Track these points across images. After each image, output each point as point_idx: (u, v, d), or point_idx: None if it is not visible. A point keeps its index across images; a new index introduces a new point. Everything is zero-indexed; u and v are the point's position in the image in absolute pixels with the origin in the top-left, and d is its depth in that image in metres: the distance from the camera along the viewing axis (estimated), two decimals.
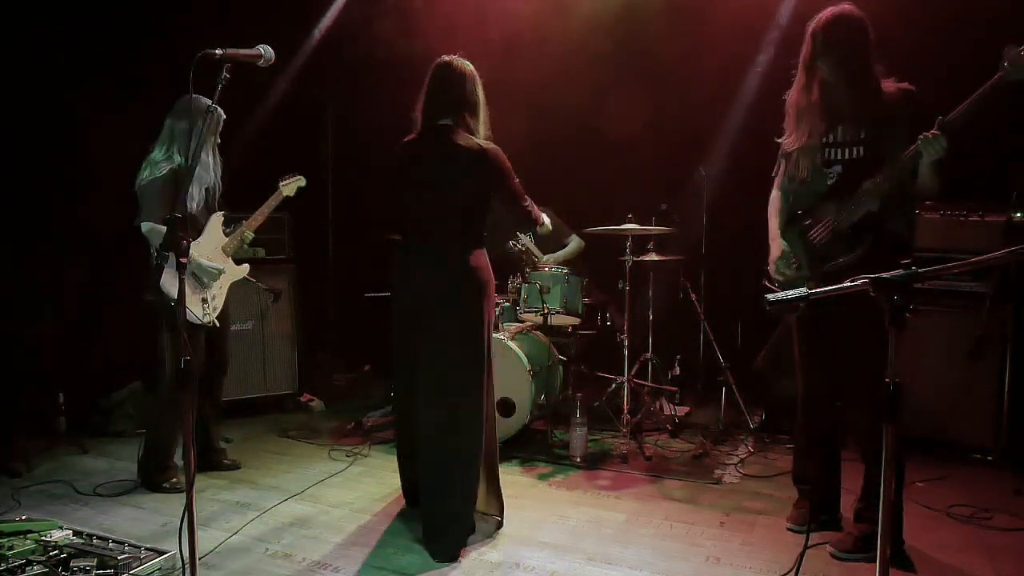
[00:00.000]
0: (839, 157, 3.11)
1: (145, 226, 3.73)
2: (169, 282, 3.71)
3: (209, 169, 3.92)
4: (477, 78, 3.29)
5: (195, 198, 3.87)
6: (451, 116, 3.21)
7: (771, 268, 3.31)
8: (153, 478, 3.89)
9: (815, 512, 3.30)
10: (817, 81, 3.08)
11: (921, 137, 2.78)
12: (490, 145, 3.21)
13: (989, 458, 4.14)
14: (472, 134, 3.21)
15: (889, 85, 3.02)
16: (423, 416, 3.20)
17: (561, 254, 5.34)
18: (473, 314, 3.20)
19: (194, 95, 3.74)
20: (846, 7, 3.02)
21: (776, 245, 3.29)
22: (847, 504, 3.29)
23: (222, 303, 3.99)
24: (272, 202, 4.08)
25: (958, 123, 2.74)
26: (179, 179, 3.73)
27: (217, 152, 4.00)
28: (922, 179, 2.91)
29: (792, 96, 3.20)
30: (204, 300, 3.84)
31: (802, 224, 3.22)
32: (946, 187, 2.94)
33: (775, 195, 3.37)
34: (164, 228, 3.66)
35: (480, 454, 3.21)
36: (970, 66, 2.85)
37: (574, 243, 5.44)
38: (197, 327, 3.80)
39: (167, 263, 3.72)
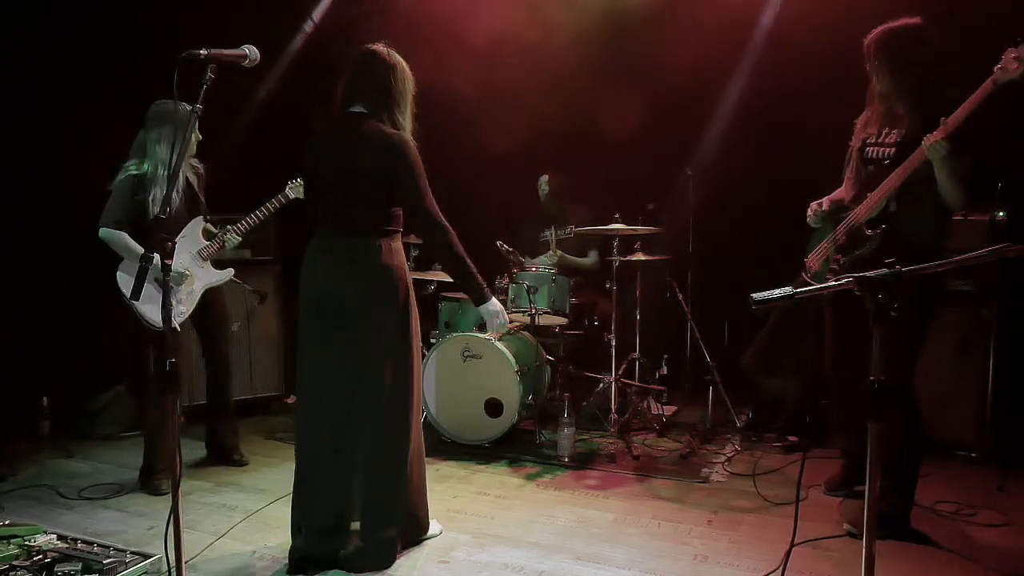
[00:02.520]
0: (874, 156, 3.29)
1: (101, 231, 3.74)
2: (123, 285, 3.79)
3: (181, 172, 3.86)
4: (407, 72, 3.10)
5: (171, 202, 3.79)
6: (367, 104, 3.02)
7: (809, 257, 3.53)
8: (145, 480, 3.91)
9: (852, 480, 3.60)
10: (874, 87, 3.27)
11: (925, 138, 2.92)
12: (402, 135, 3.00)
13: (973, 455, 4.17)
14: (393, 126, 3.01)
15: (950, 94, 3.06)
16: (349, 441, 3.02)
17: (575, 261, 5.36)
18: (388, 323, 3.01)
19: (164, 100, 3.78)
20: (910, 20, 3.16)
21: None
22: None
23: (191, 307, 3.94)
24: (274, 204, 4.03)
25: (956, 124, 2.87)
26: (145, 185, 3.74)
27: (188, 153, 3.89)
28: (941, 187, 3.04)
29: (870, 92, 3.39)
30: (178, 300, 3.78)
31: (840, 215, 3.39)
32: (971, 197, 3.09)
33: (844, 185, 3.54)
34: (117, 233, 3.73)
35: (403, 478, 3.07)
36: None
37: (593, 257, 5.45)
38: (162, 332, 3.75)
39: (121, 268, 3.81)
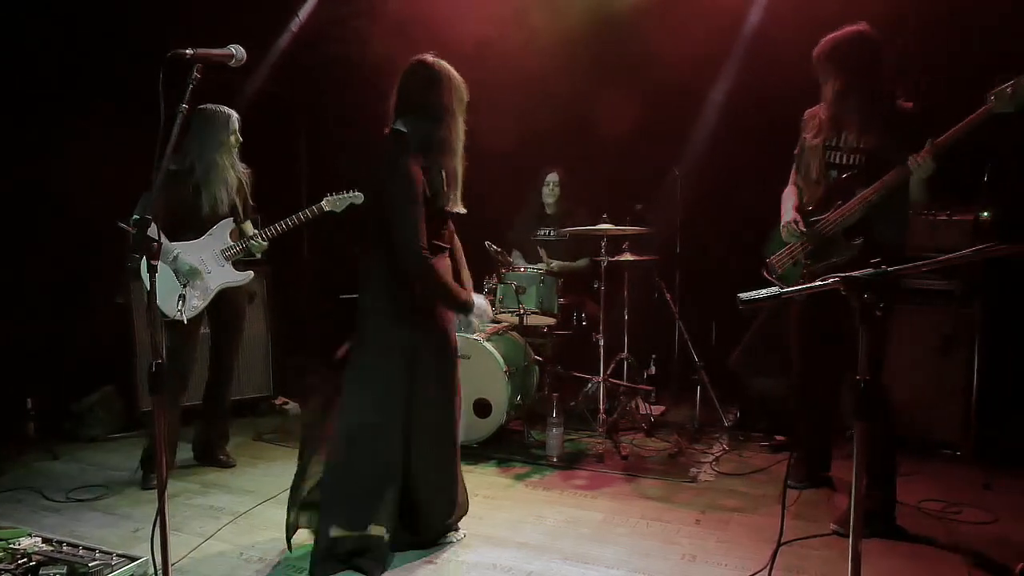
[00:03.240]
0: (838, 161, 3.35)
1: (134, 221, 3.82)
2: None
3: (223, 173, 3.96)
4: (452, 82, 3.02)
5: (208, 202, 3.93)
6: (404, 121, 2.98)
7: (772, 258, 3.58)
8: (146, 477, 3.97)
9: (814, 470, 3.79)
10: (828, 92, 3.32)
11: (911, 158, 3.01)
12: (395, 157, 2.92)
13: (958, 453, 4.20)
14: (426, 145, 2.96)
15: (903, 105, 3.22)
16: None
17: (570, 267, 5.37)
18: (387, 353, 3.02)
19: (205, 106, 3.89)
20: (856, 26, 3.24)
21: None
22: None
23: (203, 304, 3.97)
24: (307, 214, 4.03)
25: (946, 147, 2.97)
26: (176, 183, 3.83)
27: (234, 155, 4.02)
28: (913, 192, 3.15)
29: (812, 108, 3.49)
30: (181, 297, 3.77)
31: (807, 219, 3.42)
32: (935, 197, 3.25)
33: (789, 188, 3.62)
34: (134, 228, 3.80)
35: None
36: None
37: (583, 261, 5.45)
38: (174, 322, 3.80)
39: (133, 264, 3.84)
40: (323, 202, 4.04)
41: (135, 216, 3.75)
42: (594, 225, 4.72)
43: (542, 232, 5.50)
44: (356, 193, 3.99)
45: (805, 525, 3.35)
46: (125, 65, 4.67)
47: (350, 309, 5.15)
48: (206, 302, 3.99)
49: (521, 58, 5.35)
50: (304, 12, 6.01)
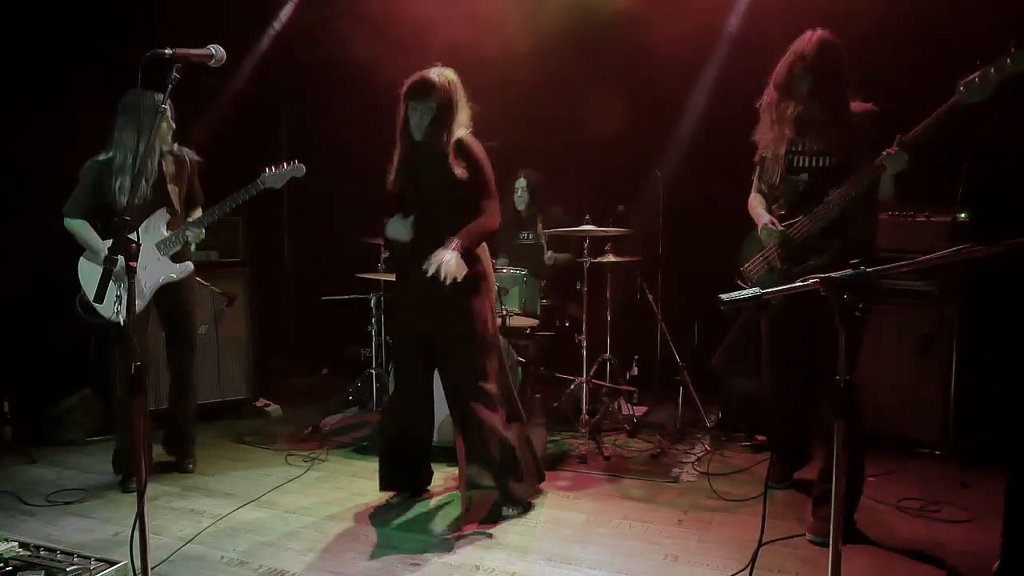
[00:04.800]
0: (805, 165, 3.34)
1: (65, 221, 3.83)
2: (83, 279, 3.87)
3: (151, 162, 3.80)
4: (453, 85, 3.39)
5: (138, 192, 3.68)
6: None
7: (745, 266, 3.57)
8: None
9: (788, 469, 3.84)
10: (793, 96, 3.31)
11: (884, 153, 3.01)
12: None
13: (937, 452, 4.24)
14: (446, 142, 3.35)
15: (857, 106, 3.25)
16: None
17: (564, 258, 5.41)
18: None
19: (131, 91, 3.72)
20: (826, 33, 3.25)
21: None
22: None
23: (144, 302, 3.86)
24: (246, 193, 3.84)
25: (916, 141, 2.97)
26: (112, 173, 3.73)
27: (158, 142, 3.82)
28: (882, 189, 3.17)
29: (765, 103, 3.44)
30: (118, 297, 3.63)
31: (780, 224, 3.40)
32: (901, 193, 3.22)
33: (754, 196, 3.60)
34: (79, 223, 3.79)
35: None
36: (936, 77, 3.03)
37: (566, 255, 5.48)
38: (116, 324, 3.70)
39: (83, 257, 3.82)
40: (263, 177, 3.86)
41: (68, 215, 3.80)
42: (571, 221, 4.74)
43: (523, 236, 5.51)
44: (298, 165, 3.89)
45: (787, 525, 3.37)
46: (105, 65, 4.63)
47: (332, 310, 5.13)
48: (145, 300, 3.86)
49: (503, 60, 5.35)
50: (284, 13, 6.00)
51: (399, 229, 3.48)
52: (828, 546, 3.07)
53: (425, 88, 3.32)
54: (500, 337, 3.76)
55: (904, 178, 3.10)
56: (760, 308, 3.58)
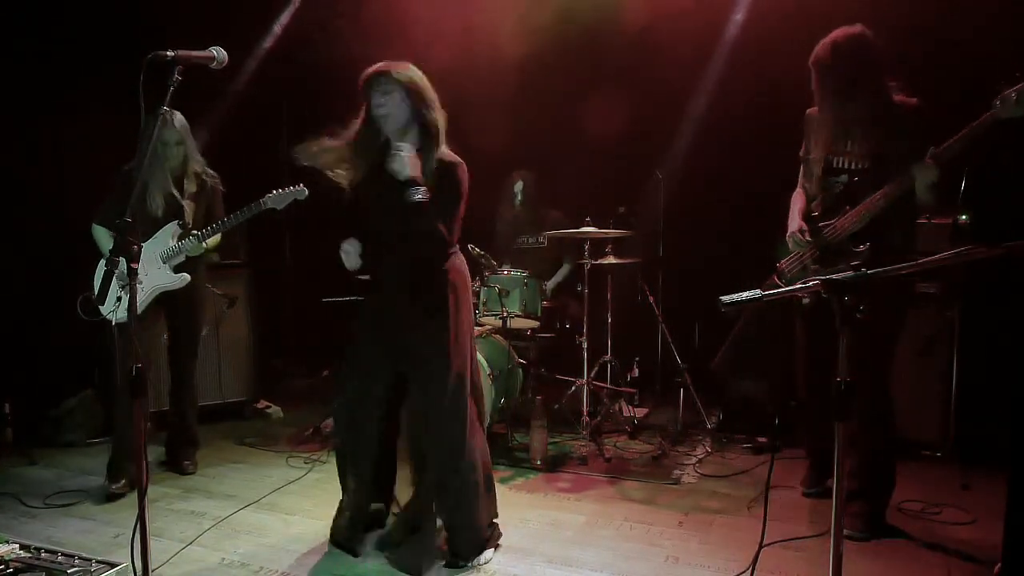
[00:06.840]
0: (845, 167, 3.31)
1: (93, 227, 3.90)
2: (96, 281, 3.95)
3: (158, 175, 3.86)
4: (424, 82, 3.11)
5: (156, 203, 3.88)
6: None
7: (781, 263, 3.55)
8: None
9: (822, 476, 3.73)
10: (828, 97, 3.29)
11: (915, 165, 3.00)
12: None
13: (938, 454, 4.24)
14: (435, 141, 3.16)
15: (900, 99, 3.18)
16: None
17: (558, 280, 5.40)
18: None
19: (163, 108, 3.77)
20: (852, 29, 3.20)
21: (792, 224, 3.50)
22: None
23: (140, 308, 3.87)
24: (247, 212, 3.89)
25: (948, 155, 2.96)
26: (128, 184, 3.74)
27: (172, 158, 3.91)
28: (920, 197, 3.13)
29: (808, 113, 3.46)
30: (118, 299, 3.66)
31: (814, 225, 3.39)
32: (942, 200, 3.27)
33: (796, 193, 3.58)
34: (99, 230, 3.87)
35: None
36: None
37: (565, 270, 5.47)
38: (123, 325, 3.69)
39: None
40: (265, 198, 3.89)
41: (95, 221, 3.86)
42: (570, 224, 4.73)
43: (522, 240, 5.48)
44: (301, 188, 3.89)
45: (788, 527, 3.36)
46: (107, 66, 4.64)
47: (333, 311, 5.13)
48: (144, 306, 3.90)
49: (503, 61, 5.36)
50: (286, 15, 6.00)
51: (349, 255, 3.26)
52: (864, 540, 3.18)
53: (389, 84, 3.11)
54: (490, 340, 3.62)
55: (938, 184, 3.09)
56: (795, 311, 3.60)
